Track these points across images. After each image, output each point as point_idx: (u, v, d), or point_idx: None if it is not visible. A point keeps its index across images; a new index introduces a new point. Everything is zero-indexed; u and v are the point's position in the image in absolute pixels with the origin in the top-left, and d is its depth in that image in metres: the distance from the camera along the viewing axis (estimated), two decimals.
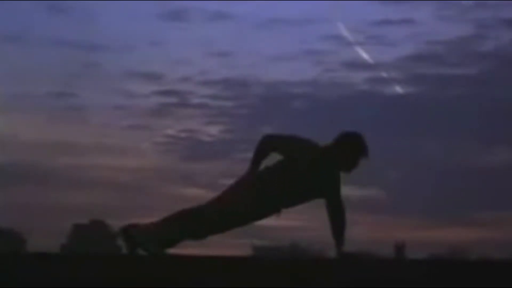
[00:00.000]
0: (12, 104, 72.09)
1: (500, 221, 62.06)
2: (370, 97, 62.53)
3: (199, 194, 56.37)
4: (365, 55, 64.17)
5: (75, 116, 74.77)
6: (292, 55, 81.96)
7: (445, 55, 69.42)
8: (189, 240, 5.26)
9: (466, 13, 74.12)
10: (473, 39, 73.91)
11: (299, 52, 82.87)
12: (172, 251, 5.38)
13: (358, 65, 74.11)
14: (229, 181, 5.39)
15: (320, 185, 5.08)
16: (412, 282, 3.96)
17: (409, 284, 3.88)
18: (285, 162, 5.06)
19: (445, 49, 73.54)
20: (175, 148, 72.27)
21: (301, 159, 4.98)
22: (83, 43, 79.30)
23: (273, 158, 5.26)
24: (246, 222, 5.14)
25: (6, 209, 59.40)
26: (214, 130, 76.82)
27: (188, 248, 5.60)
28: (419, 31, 78.32)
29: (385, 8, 75.02)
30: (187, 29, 72.33)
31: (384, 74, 67.34)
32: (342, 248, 5.23)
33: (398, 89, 65.73)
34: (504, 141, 59.64)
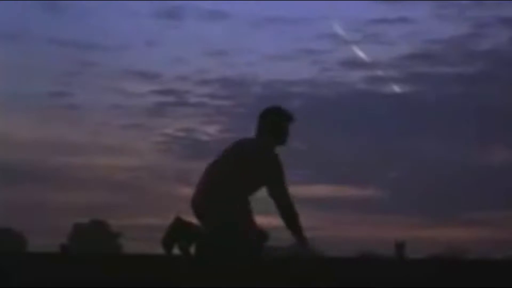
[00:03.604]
0: (8, 103, 72.09)
1: (500, 220, 62.04)
2: (367, 96, 62.56)
3: None
4: (362, 54, 64.17)
5: (72, 115, 74.77)
6: (289, 54, 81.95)
7: (443, 54, 69.35)
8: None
9: (463, 12, 74.35)
10: (471, 38, 74.01)
11: (296, 51, 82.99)
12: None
13: (355, 64, 74.10)
14: None
15: (263, 172, 4.94)
16: (412, 282, 3.96)
17: (409, 284, 3.88)
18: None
19: (443, 48, 73.52)
20: (173, 147, 72.24)
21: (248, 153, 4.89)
22: (79, 42, 79.40)
23: None
24: None
25: (5, 209, 59.38)
26: (211, 129, 76.78)
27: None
28: (416, 30, 78.22)
29: (382, 7, 75.02)
30: (184, 28, 72.41)
31: (381, 73, 67.33)
32: (303, 238, 5.02)
33: (395, 88, 65.73)
34: (502, 140, 59.65)
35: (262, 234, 4.84)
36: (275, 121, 4.98)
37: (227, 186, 4.75)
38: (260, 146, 4.88)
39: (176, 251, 4.96)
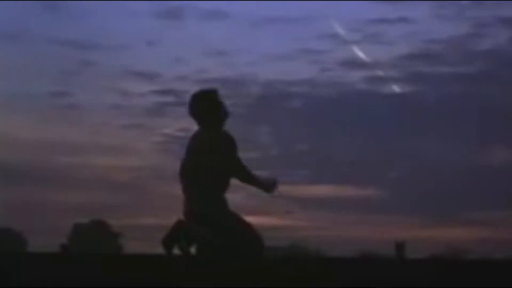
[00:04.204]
0: (8, 103, 72.10)
1: (500, 220, 62.03)
2: (367, 96, 62.59)
3: None
4: (361, 54, 64.22)
5: (72, 115, 74.83)
6: (288, 54, 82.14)
7: (443, 54, 69.51)
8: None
9: (463, 11, 74.32)
10: (470, 38, 74.08)
11: (296, 51, 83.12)
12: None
13: (355, 64, 74.20)
14: None
15: (222, 157, 4.95)
16: (412, 282, 3.96)
17: (409, 284, 3.88)
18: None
19: (443, 48, 73.63)
20: (173, 147, 72.18)
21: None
22: (79, 42, 79.44)
23: None
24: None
25: (5, 209, 59.38)
26: None
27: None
28: (416, 30, 78.40)
29: (382, 6, 75.16)
30: (183, 28, 72.46)
31: (381, 73, 67.37)
32: (263, 181, 5.08)
33: (395, 88, 65.78)
34: (502, 140, 59.64)
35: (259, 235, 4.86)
36: (204, 104, 4.97)
37: (212, 186, 4.77)
38: (207, 135, 4.89)
39: (176, 251, 4.96)
